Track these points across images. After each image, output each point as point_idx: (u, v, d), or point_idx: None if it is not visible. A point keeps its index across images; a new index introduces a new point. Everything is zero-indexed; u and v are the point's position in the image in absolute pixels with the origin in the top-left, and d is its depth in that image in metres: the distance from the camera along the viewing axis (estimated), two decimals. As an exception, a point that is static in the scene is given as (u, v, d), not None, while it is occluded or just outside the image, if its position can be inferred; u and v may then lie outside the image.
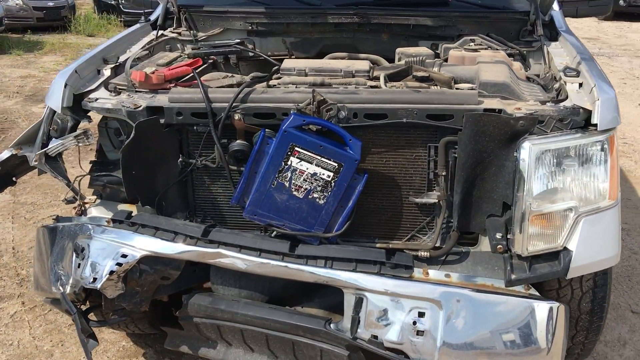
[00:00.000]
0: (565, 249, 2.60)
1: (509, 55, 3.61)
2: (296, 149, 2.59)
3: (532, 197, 2.55)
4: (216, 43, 3.65)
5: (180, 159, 2.93)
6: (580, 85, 2.91)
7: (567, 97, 2.80)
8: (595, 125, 2.61)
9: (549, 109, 2.65)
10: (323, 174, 2.63)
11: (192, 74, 2.99)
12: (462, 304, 2.63)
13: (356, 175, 2.66)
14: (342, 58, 3.55)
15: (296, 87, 2.82)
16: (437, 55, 3.61)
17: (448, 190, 2.80)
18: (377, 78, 2.98)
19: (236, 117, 2.71)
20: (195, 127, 2.81)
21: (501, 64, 3.16)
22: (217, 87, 2.87)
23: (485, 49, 3.56)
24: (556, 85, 3.06)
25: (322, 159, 2.61)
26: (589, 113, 2.64)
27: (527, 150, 2.55)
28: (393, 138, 2.79)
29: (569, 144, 2.58)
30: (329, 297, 2.98)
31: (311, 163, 2.61)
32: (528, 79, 3.30)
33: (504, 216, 2.75)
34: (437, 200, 2.81)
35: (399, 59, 3.50)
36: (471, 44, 3.69)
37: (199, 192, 3.02)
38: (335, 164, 2.62)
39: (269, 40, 3.97)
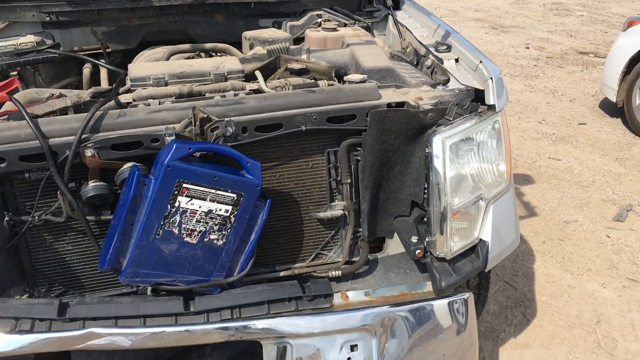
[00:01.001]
0: (481, 240, 2.46)
1: (366, 29, 3.33)
2: (185, 185, 2.01)
3: (451, 194, 2.33)
4: (20, 47, 2.74)
5: (6, 219, 2.13)
6: (457, 61, 2.75)
7: (448, 78, 2.62)
8: (490, 106, 2.45)
9: (447, 94, 2.43)
10: (220, 210, 2.10)
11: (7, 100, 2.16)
12: (392, 323, 2.38)
13: (257, 202, 2.18)
14: (186, 51, 2.92)
15: (161, 103, 2.19)
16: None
17: (353, 198, 2.46)
18: (253, 78, 2.47)
19: (88, 153, 2.02)
20: (26, 175, 2.04)
21: (372, 44, 2.86)
22: (48, 113, 2.11)
23: (339, 25, 3.21)
24: (427, 63, 2.87)
25: (218, 193, 2.07)
26: (480, 93, 2.48)
27: (440, 145, 2.31)
28: (285, 149, 2.35)
29: (473, 130, 2.40)
30: (229, 347, 2.51)
31: (204, 199, 2.06)
32: (392, 56, 3.06)
33: (412, 215, 2.52)
34: (343, 212, 2.46)
35: (251, 46, 3.00)
36: (318, 19, 3.32)
37: (39, 255, 2.26)
38: (234, 195, 2.11)
39: (73, 32, 3.13)
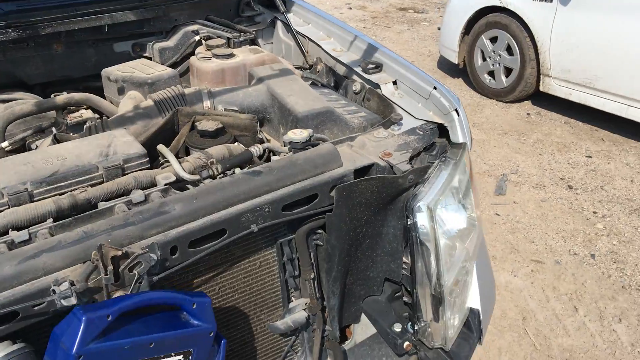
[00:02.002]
0: (471, 310, 2.03)
1: (251, 42, 2.64)
2: (107, 373, 1.27)
3: (447, 270, 1.84)
4: None
5: None
6: (395, 83, 2.23)
7: (395, 111, 2.10)
8: (457, 144, 1.99)
9: (412, 139, 1.91)
10: (164, 383, 1.39)
11: None
12: None
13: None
14: (28, 113, 2.01)
15: (33, 236, 1.39)
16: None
17: (317, 294, 1.87)
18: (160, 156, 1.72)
19: None
20: None
21: (288, 74, 2.21)
22: None
23: (227, 45, 2.49)
24: (355, 87, 2.30)
25: (159, 362, 1.36)
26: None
27: (426, 213, 1.78)
28: (224, 254, 1.67)
29: (449, 181, 1.91)
30: None
31: (139, 379, 1.34)
32: (303, 79, 2.44)
33: (383, 293, 2.01)
34: (307, 315, 1.85)
35: (121, 90, 2.18)
36: (195, 37, 2.56)
37: None
38: (180, 356, 1.41)
39: None
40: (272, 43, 2.91)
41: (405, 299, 1.99)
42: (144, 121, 1.98)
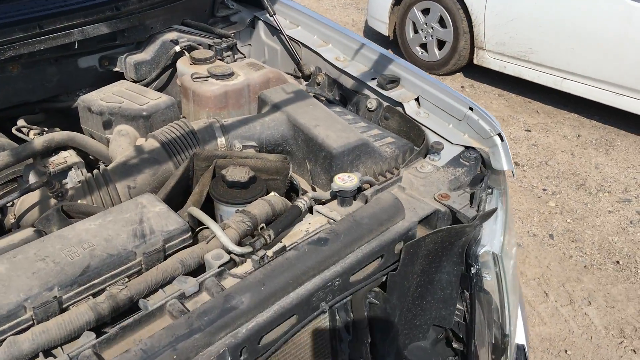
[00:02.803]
0: (517, 347, 1.92)
1: (227, 48, 2.32)
2: None
3: (511, 321, 1.70)
4: None
5: None
6: (418, 102, 2.03)
7: (423, 133, 1.91)
8: (497, 171, 1.85)
9: (459, 172, 1.73)
10: None
11: None
12: None
13: None
14: (5, 165, 1.61)
15: None
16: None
17: (370, 356, 1.68)
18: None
19: None
20: None
21: (302, 95, 1.93)
22: None
23: (216, 55, 2.17)
24: (369, 105, 2.08)
25: None
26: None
27: (491, 260, 1.63)
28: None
29: (504, 218, 1.76)
30: None
31: None
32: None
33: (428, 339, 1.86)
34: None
35: (107, 124, 1.82)
36: (175, 47, 2.20)
37: None
38: None
39: None
40: (249, 45, 2.60)
41: (454, 345, 1.84)
42: (151, 169, 1.65)
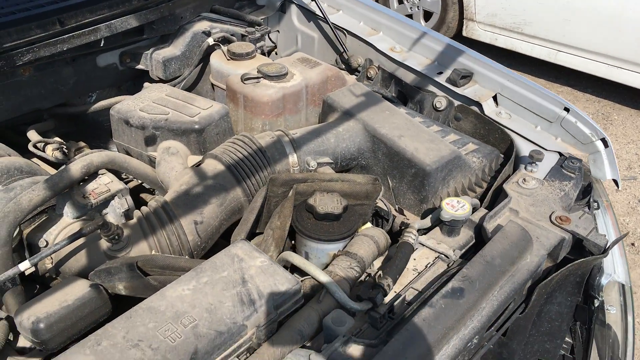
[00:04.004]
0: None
1: (257, 39, 2.02)
2: None
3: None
4: None
5: None
6: (496, 100, 1.80)
7: (506, 137, 1.69)
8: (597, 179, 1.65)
9: (568, 187, 1.52)
10: None
11: None
12: None
13: None
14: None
15: None
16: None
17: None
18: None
19: None
20: None
21: (373, 98, 1.67)
22: None
23: (258, 48, 1.87)
24: (438, 104, 1.83)
25: None
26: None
27: (618, 291, 1.43)
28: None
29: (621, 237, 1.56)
30: None
31: None
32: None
33: None
34: None
35: (150, 140, 1.52)
36: (208, 39, 1.89)
37: None
38: None
39: None
40: (277, 32, 2.29)
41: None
42: (218, 198, 1.37)
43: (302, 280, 1.18)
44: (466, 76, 1.82)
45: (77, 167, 1.35)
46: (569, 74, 5.88)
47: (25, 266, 1.18)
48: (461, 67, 1.83)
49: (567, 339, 1.57)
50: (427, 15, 6.68)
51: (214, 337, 0.96)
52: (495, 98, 1.79)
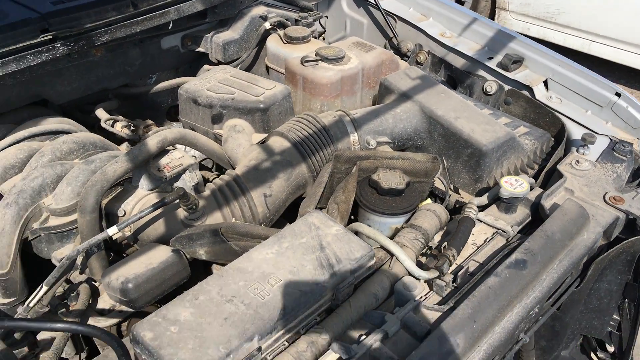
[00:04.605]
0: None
1: (309, 24, 2.09)
2: None
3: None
4: None
5: None
6: (546, 85, 1.84)
7: (558, 121, 1.73)
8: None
9: (620, 168, 1.56)
10: None
11: None
12: None
13: None
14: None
15: None
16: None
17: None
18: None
19: None
20: None
21: (428, 80, 1.72)
22: None
23: (312, 34, 1.94)
24: (489, 88, 1.88)
25: None
26: None
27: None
28: None
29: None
30: None
31: None
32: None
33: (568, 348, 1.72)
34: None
35: (217, 118, 1.60)
36: (265, 23, 1.97)
37: None
38: None
39: None
40: (326, 17, 2.35)
41: (600, 354, 1.70)
42: (285, 173, 1.44)
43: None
44: (517, 61, 1.86)
45: (153, 142, 1.44)
46: (602, 65, 5.84)
47: (113, 231, 1.27)
48: (512, 52, 1.88)
49: (614, 316, 1.62)
50: (459, 4, 6.63)
51: (298, 296, 1.03)
52: (545, 83, 1.84)
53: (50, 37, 1.43)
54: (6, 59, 1.39)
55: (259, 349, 0.96)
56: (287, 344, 1.03)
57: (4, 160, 1.48)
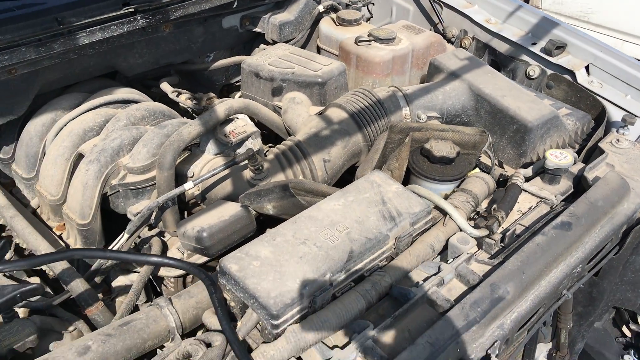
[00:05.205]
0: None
1: (358, 9, 2.20)
2: None
3: None
4: None
5: None
6: (587, 70, 1.92)
7: (598, 104, 1.81)
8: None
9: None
10: None
11: None
12: None
13: None
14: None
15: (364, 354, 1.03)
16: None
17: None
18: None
19: None
20: None
21: (475, 61, 1.82)
22: None
23: (359, 17, 2.04)
24: (532, 72, 1.97)
25: None
26: None
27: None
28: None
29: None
30: None
31: None
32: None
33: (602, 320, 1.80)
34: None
35: (276, 91, 1.71)
36: (318, 7, 2.08)
37: None
38: None
39: None
40: (372, 4, 2.45)
41: (632, 326, 1.78)
42: (342, 141, 1.55)
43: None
44: (560, 47, 1.94)
45: (221, 109, 1.56)
46: (636, 64, 5.82)
47: (189, 186, 1.39)
48: (555, 38, 1.96)
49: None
50: None
51: (364, 242, 1.14)
52: (587, 68, 1.92)
53: (132, 9, 1.56)
54: (93, 28, 1.52)
55: (331, 284, 1.07)
56: (353, 284, 1.14)
57: (83, 123, 1.62)
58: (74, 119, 1.64)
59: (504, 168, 1.69)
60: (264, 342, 1.03)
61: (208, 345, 1.02)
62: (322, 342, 1.04)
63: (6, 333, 1.22)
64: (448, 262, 1.22)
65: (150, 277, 1.41)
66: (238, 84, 2.24)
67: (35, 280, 1.43)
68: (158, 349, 1.13)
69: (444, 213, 1.31)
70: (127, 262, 1.39)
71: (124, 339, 1.06)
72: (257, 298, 1.01)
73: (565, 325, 1.56)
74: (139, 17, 1.59)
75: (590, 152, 1.67)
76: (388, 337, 1.08)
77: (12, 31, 1.43)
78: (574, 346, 1.64)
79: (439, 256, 1.30)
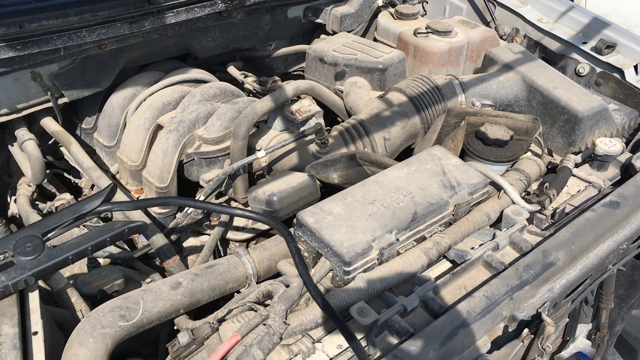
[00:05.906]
0: None
1: (415, 3, 2.30)
2: None
3: None
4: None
5: None
6: (636, 69, 1.99)
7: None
8: None
9: None
10: None
11: None
12: None
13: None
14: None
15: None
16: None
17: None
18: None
19: None
20: None
21: (529, 55, 1.91)
22: None
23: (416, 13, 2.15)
24: (581, 70, 2.04)
25: None
26: None
27: None
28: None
29: None
30: None
31: None
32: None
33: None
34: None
35: (339, 76, 1.83)
36: (378, 1, 2.19)
37: None
38: None
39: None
40: (426, 2, 2.55)
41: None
42: (402, 122, 1.66)
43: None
44: (610, 46, 2.02)
45: (289, 88, 1.68)
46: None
47: (261, 154, 1.52)
48: (606, 38, 2.04)
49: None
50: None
51: (427, 206, 1.25)
52: (636, 67, 1.99)
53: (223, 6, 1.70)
54: (179, 9, 1.67)
55: (397, 240, 1.18)
56: (415, 243, 1.24)
57: (162, 98, 1.76)
58: (153, 94, 1.79)
59: (553, 156, 1.77)
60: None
61: (287, 286, 1.14)
62: (387, 291, 1.15)
63: (96, 276, 1.36)
64: (502, 230, 1.31)
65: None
66: (295, 72, 2.37)
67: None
68: (235, 293, 1.25)
69: (499, 188, 1.41)
70: (213, 212, 1.52)
71: (209, 279, 1.19)
72: (331, 247, 1.13)
73: (606, 306, 1.64)
74: (219, 1, 1.72)
75: (637, 145, 1.75)
76: (447, 291, 1.18)
77: (108, 8, 1.58)
78: (614, 328, 1.71)
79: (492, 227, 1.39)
